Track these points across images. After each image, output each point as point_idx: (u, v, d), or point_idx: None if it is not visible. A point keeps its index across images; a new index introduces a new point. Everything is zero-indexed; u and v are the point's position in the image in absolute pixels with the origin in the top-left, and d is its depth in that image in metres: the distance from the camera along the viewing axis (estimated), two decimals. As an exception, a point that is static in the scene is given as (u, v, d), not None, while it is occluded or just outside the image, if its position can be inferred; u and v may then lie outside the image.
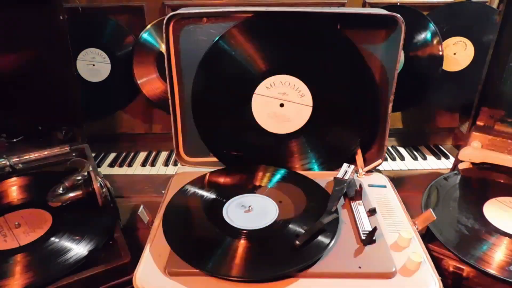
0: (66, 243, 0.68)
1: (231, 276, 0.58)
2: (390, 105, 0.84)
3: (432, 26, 1.08)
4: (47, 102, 0.92)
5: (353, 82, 0.87)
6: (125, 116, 1.21)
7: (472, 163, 0.89)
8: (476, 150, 0.89)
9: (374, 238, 0.65)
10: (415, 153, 1.19)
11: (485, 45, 1.09)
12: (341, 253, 0.63)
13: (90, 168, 0.82)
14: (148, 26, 1.12)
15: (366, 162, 0.90)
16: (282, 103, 0.87)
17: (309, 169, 0.91)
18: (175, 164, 1.14)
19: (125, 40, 1.14)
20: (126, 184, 1.03)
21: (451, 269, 0.67)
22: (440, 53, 1.09)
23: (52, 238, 0.69)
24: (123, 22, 1.14)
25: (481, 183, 0.87)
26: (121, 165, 1.14)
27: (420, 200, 0.79)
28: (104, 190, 0.76)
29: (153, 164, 1.14)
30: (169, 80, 0.85)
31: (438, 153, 1.18)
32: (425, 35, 1.09)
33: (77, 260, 0.64)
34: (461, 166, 0.90)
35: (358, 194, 0.76)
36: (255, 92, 0.86)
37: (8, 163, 0.87)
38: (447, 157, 1.17)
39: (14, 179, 0.84)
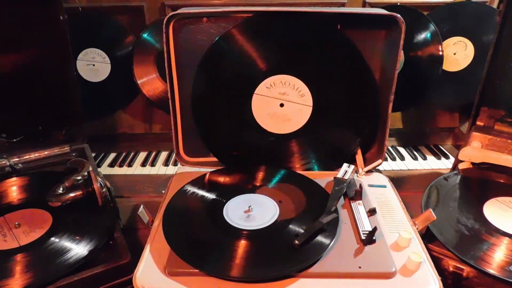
0: (66, 243, 0.67)
1: (231, 276, 0.58)
2: (390, 105, 0.84)
3: (432, 26, 1.08)
4: (47, 102, 0.92)
5: (353, 82, 0.87)
6: (125, 116, 1.21)
7: (472, 163, 0.89)
8: (476, 150, 0.89)
9: (374, 238, 0.65)
10: (415, 153, 1.19)
11: (485, 45, 1.09)
12: (341, 253, 0.63)
13: (90, 168, 0.82)
14: (148, 26, 1.12)
15: (366, 162, 0.90)
16: (282, 103, 0.87)
17: (309, 169, 0.91)
18: (175, 164, 1.14)
19: (125, 40, 1.14)
20: (126, 184, 1.03)
21: (451, 269, 0.67)
22: (440, 53, 1.09)
23: (52, 238, 0.69)
24: (123, 22, 1.14)
25: (481, 183, 0.87)
26: (121, 165, 1.14)
27: (420, 200, 0.79)
28: (104, 190, 0.76)
29: (153, 164, 1.14)
30: (169, 80, 0.85)
31: (438, 153, 1.18)
32: (425, 35, 1.09)
33: (77, 260, 0.64)
34: (461, 166, 0.90)
35: (358, 194, 0.76)
36: (255, 92, 0.86)
37: (8, 163, 0.87)
38: (447, 157, 1.17)
39: (14, 179, 0.84)
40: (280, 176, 0.83)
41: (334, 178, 0.79)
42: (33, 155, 0.90)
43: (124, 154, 1.20)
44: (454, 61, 1.14)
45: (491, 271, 0.62)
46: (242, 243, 0.63)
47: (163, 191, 0.83)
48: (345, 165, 0.83)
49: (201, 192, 0.77)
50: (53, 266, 0.63)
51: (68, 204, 0.74)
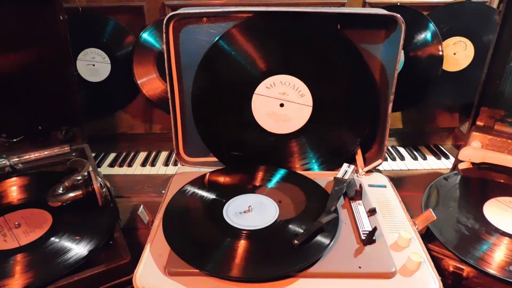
0: (66, 243, 0.68)
1: (231, 276, 0.58)
2: (390, 105, 0.84)
3: (432, 26, 1.08)
4: (47, 102, 0.92)
5: (353, 82, 0.87)
6: (125, 116, 1.21)
7: (472, 163, 0.89)
8: (476, 150, 0.89)
9: (374, 238, 0.65)
10: (415, 153, 1.19)
11: (485, 45, 1.09)
12: (341, 253, 0.63)
13: (90, 168, 0.82)
14: (148, 26, 1.12)
15: (366, 162, 0.90)
16: (282, 103, 0.87)
17: (309, 169, 0.91)
18: (175, 164, 1.14)
19: (125, 40, 1.14)
20: (126, 184, 1.03)
21: (451, 269, 0.67)
22: (440, 53, 1.09)
23: (52, 238, 0.69)
24: (123, 22, 1.14)
25: (481, 183, 0.87)
26: (121, 165, 1.14)
27: (420, 200, 0.79)
28: (104, 190, 0.76)
29: (153, 164, 1.14)
30: (169, 80, 0.85)
31: (438, 153, 1.18)
32: (425, 35, 1.09)
33: (77, 260, 0.64)
34: (461, 166, 0.90)
35: (358, 194, 0.76)
36: (255, 92, 0.86)
37: (8, 163, 0.87)
38: (447, 157, 1.17)
39: (14, 179, 0.84)
40: (280, 176, 0.83)
41: (334, 178, 0.79)
42: (33, 155, 0.90)
43: (124, 154, 1.20)
44: (454, 61, 1.14)
45: (491, 271, 0.62)
46: (242, 243, 0.63)
47: (163, 191, 0.83)
48: (345, 165, 0.83)
49: (201, 192, 0.77)
50: (53, 266, 0.63)
51: (68, 204, 0.74)
